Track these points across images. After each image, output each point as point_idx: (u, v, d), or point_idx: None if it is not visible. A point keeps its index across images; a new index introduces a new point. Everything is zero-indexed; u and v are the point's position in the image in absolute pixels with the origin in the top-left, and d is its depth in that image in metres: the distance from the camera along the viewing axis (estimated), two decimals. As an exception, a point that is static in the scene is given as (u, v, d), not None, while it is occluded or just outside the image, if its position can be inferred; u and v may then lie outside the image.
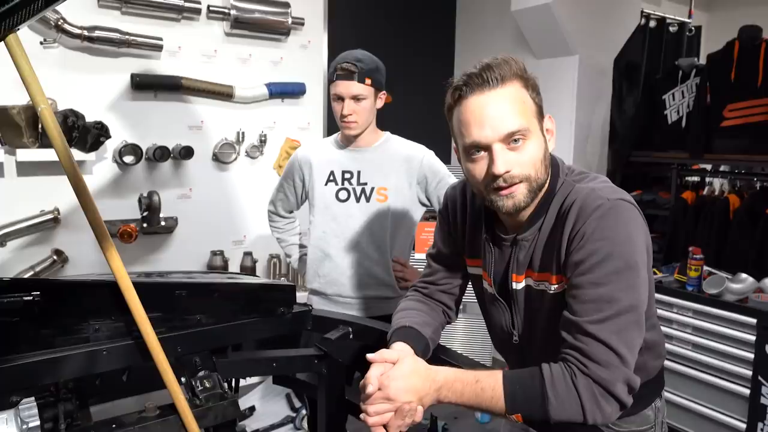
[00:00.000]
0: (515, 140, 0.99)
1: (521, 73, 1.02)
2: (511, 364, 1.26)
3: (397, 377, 1.01)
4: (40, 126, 2.27)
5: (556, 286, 1.04)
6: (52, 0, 0.78)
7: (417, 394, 1.00)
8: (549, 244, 1.05)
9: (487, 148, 1.00)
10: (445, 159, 2.16)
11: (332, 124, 1.94)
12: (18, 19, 0.78)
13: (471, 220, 1.21)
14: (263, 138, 3.07)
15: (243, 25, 2.90)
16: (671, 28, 3.44)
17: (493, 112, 0.99)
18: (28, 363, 1.03)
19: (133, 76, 2.67)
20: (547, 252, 1.05)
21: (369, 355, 1.08)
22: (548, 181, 1.06)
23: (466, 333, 3.46)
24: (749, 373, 2.40)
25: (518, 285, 1.11)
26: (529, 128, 0.99)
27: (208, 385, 1.19)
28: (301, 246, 2.19)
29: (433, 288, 1.33)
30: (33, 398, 0.98)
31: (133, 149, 2.65)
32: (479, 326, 3.39)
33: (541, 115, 1.04)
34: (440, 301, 1.32)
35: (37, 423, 0.93)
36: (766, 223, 2.74)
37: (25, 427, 0.91)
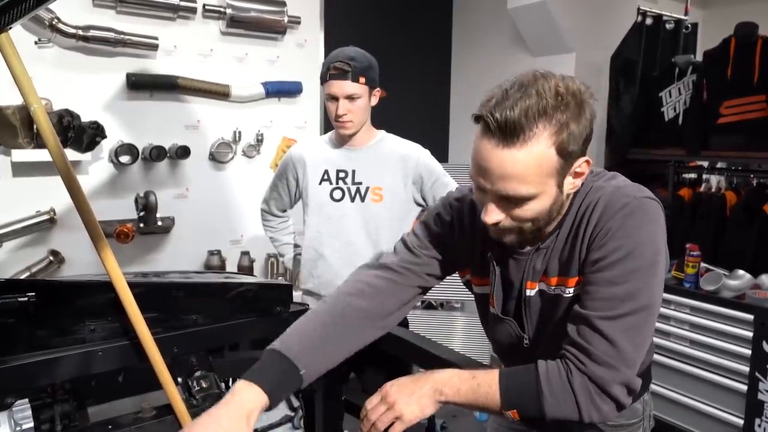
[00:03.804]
0: (515, 200, 0.93)
1: (558, 116, 0.88)
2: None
3: (392, 382, 1.01)
4: (35, 126, 2.26)
5: (572, 289, 1.02)
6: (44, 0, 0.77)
7: (409, 389, 0.99)
8: (567, 246, 1.02)
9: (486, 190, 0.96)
10: (442, 158, 2.16)
11: (329, 123, 1.93)
12: (9, 19, 0.78)
13: (480, 237, 1.13)
14: (260, 137, 3.06)
15: (239, 24, 2.89)
16: (668, 26, 3.44)
17: (498, 171, 0.90)
18: (24, 364, 1.02)
19: (128, 75, 2.65)
20: (566, 255, 1.02)
21: None
22: (569, 202, 1.02)
23: (465, 332, 3.46)
24: (746, 369, 2.40)
25: (531, 291, 1.08)
26: (535, 192, 0.92)
27: (204, 385, 1.19)
28: (296, 246, 2.17)
29: (412, 280, 1.18)
30: (27, 400, 0.97)
31: (129, 149, 2.64)
32: (478, 325, 3.38)
33: (568, 165, 0.93)
34: (406, 294, 1.17)
35: (31, 425, 0.93)
36: (763, 219, 2.74)
37: (18, 429, 0.91)
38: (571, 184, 0.97)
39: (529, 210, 0.94)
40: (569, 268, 1.02)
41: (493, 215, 0.96)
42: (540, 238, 1.04)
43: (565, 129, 0.89)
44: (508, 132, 0.88)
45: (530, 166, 0.89)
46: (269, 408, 0.96)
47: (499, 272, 1.11)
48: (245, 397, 0.94)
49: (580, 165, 0.96)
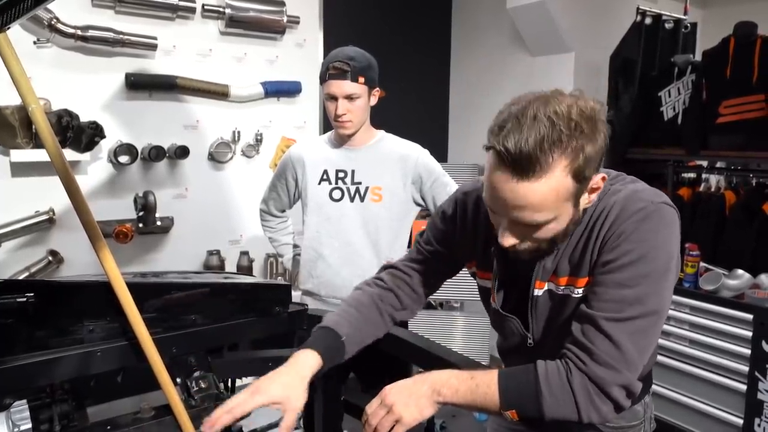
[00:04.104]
0: (532, 226, 0.94)
1: (573, 143, 0.86)
2: (517, 365, 1.24)
3: (391, 385, 1.01)
4: (33, 126, 2.25)
5: (582, 289, 1.02)
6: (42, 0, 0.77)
7: (408, 390, 0.99)
8: (579, 247, 1.02)
9: None
10: (441, 158, 2.16)
11: (329, 123, 1.93)
12: (7, 19, 0.77)
13: (486, 233, 1.14)
14: (259, 137, 3.06)
15: (238, 24, 2.88)
16: (667, 25, 3.43)
17: (512, 202, 0.90)
18: (22, 365, 1.02)
19: (127, 75, 2.65)
20: (578, 255, 1.02)
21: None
22: None
23: (465, 332, 3.46)
24: (746, 368, 2.40)
25: (539, 291, 1.07)
26: (551, 218, 0.92)
27: (203, 385, 1.19)
28: (295, 246, 2.17)
29: (418, 278, 1.26)
30: (25, 401, 0.97)
31: (128, 149, 2.64)
32: (478, 325, 3.39)
33: (583, 185, 0.92)
34: (415, 292, 1.26)
35: (29, 426, 0.93)
36: (762, 219, 2.74)
37: (16, 429, 0.91)
38: (586, 199, 0.97)
39: (546, 231, 0.95)
40: (580, 268, 1.01)
41: (509, 239, 0.96)
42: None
43: (580, 154, 0.87)
44: (523, 165, 0.85)
45: (547, 197, 0.88)
46: (322, 369, 1.09)
47: (501, 268, 1.11)
48: (303, 360, 1.08)
49: (596, 182, 0.95)
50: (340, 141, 1.93)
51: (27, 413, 0.94)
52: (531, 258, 1.02)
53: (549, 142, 0.85)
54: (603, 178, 0.96)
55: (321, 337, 1.14)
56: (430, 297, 3.77)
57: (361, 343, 1.20)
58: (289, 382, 1.04)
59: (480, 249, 1.16)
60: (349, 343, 1.15)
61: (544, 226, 0.93)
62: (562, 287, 1.05)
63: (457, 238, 1.20)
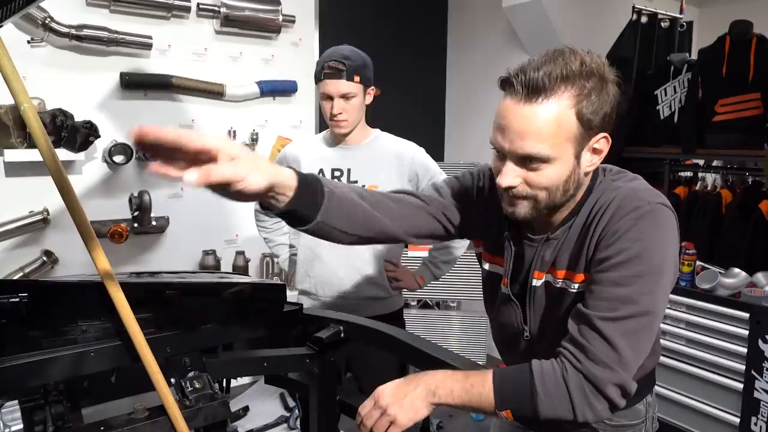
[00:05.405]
0: (532, 162, 0.94)
1: (581, 82, 0.92)
2: (514, 362, 1.23)
3: (384, 386, 1.00)
4: (27, 126, 2.24)
5: (578, 285, 1.02)
6: (32, -2, 0.76)
7: (402, 391, 0.98)
8: (578, 241, 1.02)
9: (504, 156, 0.97)
10: (437, 157, 2.16)
11: (324, 122, 1.93)
12: (-3, 17, 0.77)
13: (501, 214, 1.12)
14: (255, 136, 3.05)
15: (233, 23, 2.88)
16: (663, 24, 3.44)
17: (517, 128, 0.93)
18: (15, 365, 1.02)
19: (122, 74, 2.64)
20: (575, 250, 1.03)
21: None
22: (585, 186, 1.03)
23: (461, 332, 3.46)
24: (742, 367, 2.40)
25: (537, 282, 1.08)
26: (552, 155, 0.93)
27: (198, 385, 1.18)
28: (290, 246, 2.17)
29: (433, 207, 1.16)
30: (16, 401, 0.97)
31: (123, 149, 2.63)
32: (474, 325, 3.39)
33: (587, 135, 0.95)
34: (431, 215, 1.16)
35: (20, 426, 0.92)
36: (758, 217, 2.75)
37: (7, 430, 0.90)
38: (588, 161, 0.98)
39: (544, 176, 0.95)
40: (577, 263, 1.02)
41: (509, 177, 0.96)
42: (551, 222, 1.05)
43: (586, 96, 0.92)
44: (531, 89, 0.91)
45: (549, 124, 0.91)
46: (288, 198, 0.90)
47: (513, 253, 1.11)
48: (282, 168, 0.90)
49: (599, 141, 0.97)
50: (336, 140, 1.93)
51: (18, 414, 0.93)
52: (526, 216, 1.01)
53: (557, 74, 0.91)
54: (607, 140, 0.98)
55: (303, 174, 0.94)
56: (427, 297, 3.72)
57: (341, 216, 1.00)
58: (260, 157, 0.87)
59: (493, 232, 1.16)
60: (330, 201, 0.96)
61: (544, 166, 0.94)
62: (559, 280, 1.05)
63: (477, 205, 1.17)
